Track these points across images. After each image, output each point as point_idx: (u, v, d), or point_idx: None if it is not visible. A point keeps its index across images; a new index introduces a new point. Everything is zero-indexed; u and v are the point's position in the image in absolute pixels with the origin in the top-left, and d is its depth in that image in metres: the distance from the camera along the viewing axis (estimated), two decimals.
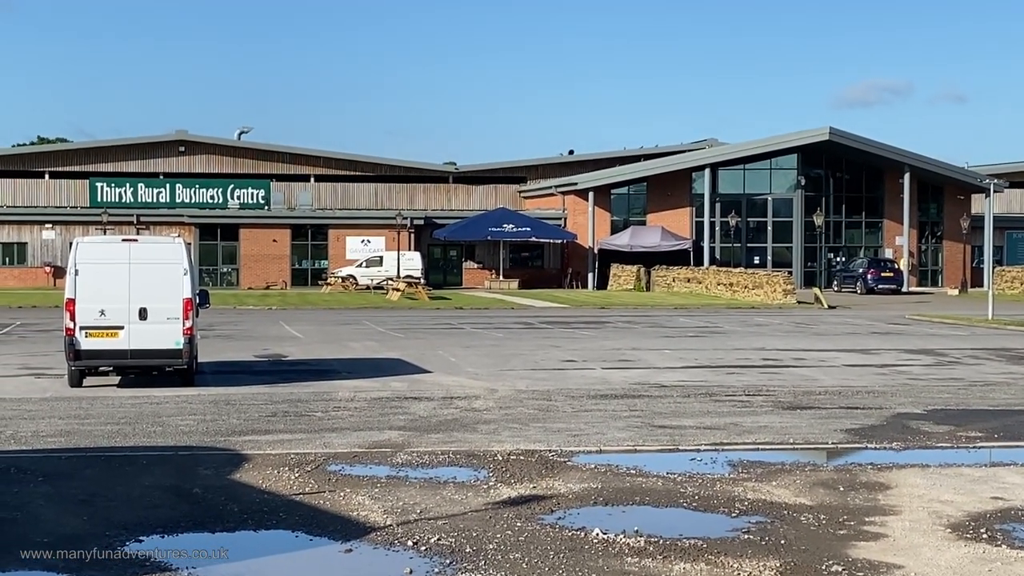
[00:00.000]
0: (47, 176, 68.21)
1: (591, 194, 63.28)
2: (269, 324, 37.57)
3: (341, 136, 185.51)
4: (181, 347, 20.81)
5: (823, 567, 9.59)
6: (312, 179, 69.71)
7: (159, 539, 10.37)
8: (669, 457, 14.41)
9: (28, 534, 10.36)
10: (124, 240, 22.02)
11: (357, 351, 28.74)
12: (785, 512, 11.44)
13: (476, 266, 65.93)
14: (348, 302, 49.64)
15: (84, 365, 20.88)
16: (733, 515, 11.33)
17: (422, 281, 55.12)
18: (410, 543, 10.21)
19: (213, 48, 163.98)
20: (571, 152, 75.83)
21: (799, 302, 50.24)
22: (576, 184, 64.23)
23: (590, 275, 63.08)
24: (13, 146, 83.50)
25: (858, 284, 59.39)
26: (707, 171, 63.29)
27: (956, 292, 60.60)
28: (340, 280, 59.16)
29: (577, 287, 62.64)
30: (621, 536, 10.36)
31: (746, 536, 10.52)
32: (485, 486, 12.53)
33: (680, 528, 10.72)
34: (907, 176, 63.84)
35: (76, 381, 21.01)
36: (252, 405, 18.67)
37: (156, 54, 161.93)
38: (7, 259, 63.88)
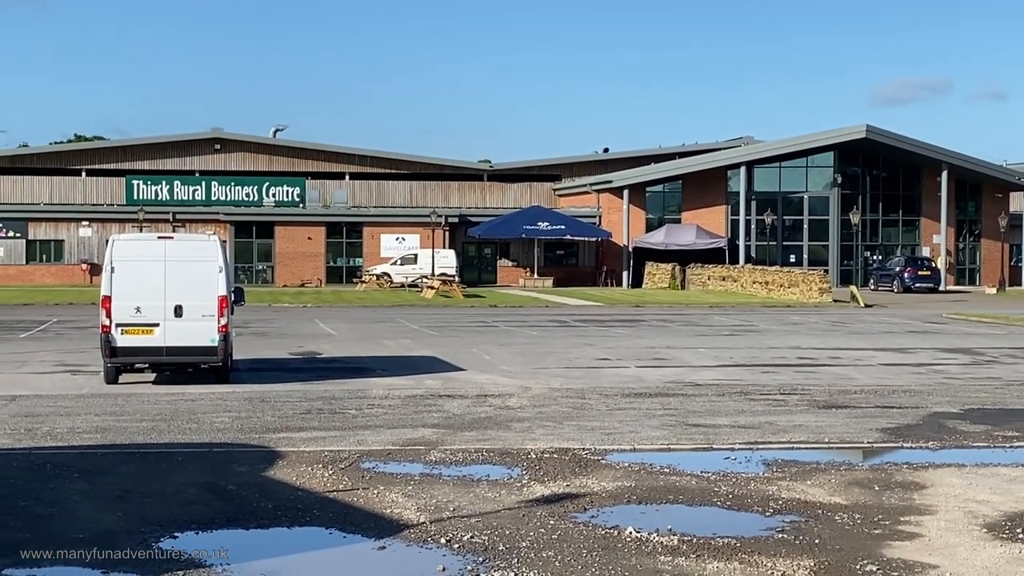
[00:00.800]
0: (84, 174, 68.65)
1: (626, 192, 63.16)
2: (304, 322, 37.72)
3: (375, 135, 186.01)
4: (216, 344, 20.91)
5: (857, 567, 9.52)
6: (347, 177, 69.88)
7: (193, 536, 10.41)
8: (703, 456, 14.35)
9: (64, 530, 10.43)
10: (160, 237, 22.15)
11: (391, 349, 28.80)
12: (819, 511, 11.37)
13: (510, 264, 65.93)
14: (383, 300, 49.76)
15: (120, 362, 21.01)
16: (767, 514, 11.27)
17: (457, 279, 55.16)
18: (443, 541, 10.21)
19: (248, 46, 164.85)
20: (606, 150, 75.71)
21: (835, 301, 49.94)
22: (611, 182, 64.12)
23: (624, 273, 62.97)
24: (50, 144, 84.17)
25: (895, 283, 58.99)
26: (743, 169, 63.01)
27: (994, 291, 60.05)
28: (375, 278, 59.32)
29: (611, 285, 62.53)
30: (654, 535, 10.32)
31: (780, 535, 10.46)
32: (518, 484, 12.52)
33: (714, 527, 10.67)
34: (944, 174, 63.34)
35: (112, 378, 21.14)
36: (287, 402, 18.74)
37: (192, 52, 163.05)
38: (44, 256, 64.42)
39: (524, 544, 10.07)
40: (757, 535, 10.44)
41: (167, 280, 20.91)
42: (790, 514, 11.25)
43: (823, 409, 18.48)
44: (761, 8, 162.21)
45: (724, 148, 69.59)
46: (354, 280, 61.39)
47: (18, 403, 18.44)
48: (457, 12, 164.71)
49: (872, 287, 60.35)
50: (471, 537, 10.29)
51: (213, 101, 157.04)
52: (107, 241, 21.85)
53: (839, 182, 64.00)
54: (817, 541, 10.26)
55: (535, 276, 62.75)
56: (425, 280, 54.76)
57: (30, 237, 64.13)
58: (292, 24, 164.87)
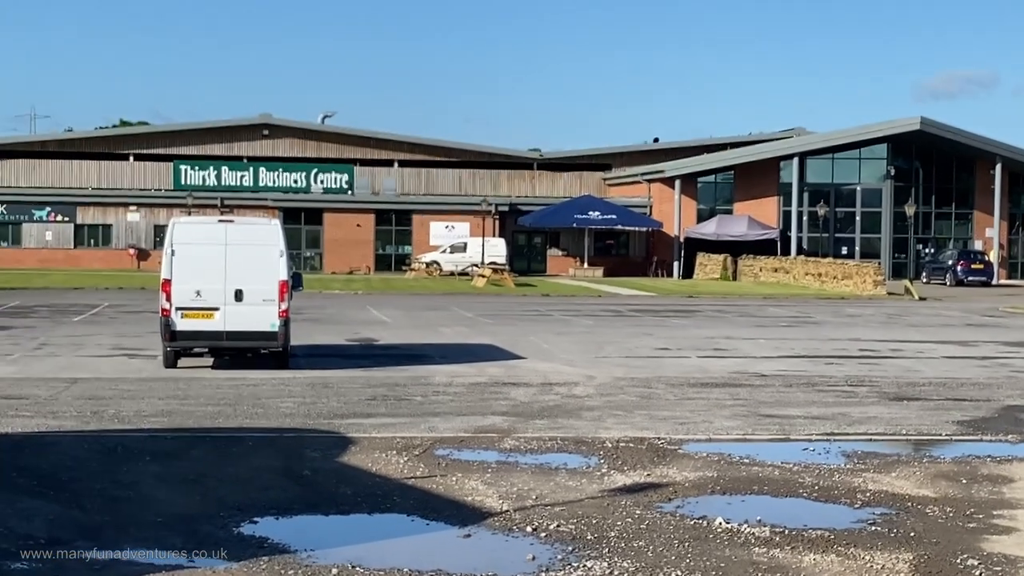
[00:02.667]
0: (131, 159, 68.87)
1: (678, 182, 62.69)
2: (356, 309, 37.61)
3: (423, 122, 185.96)
4: (276, 329, 20.77)
5: (958, 561, 9.21)
6: (396, 164, 69.77)
7: (274, 521, 10.24)
8: (781, 447, 14.05)
9: (142, 513, 10.28)
10: (221, 221, 21.99)
11: (448, 336, 28.61)
12: (909, 504, 11.05)
13: (560, 253, 65.62)
14: (433, 288, 49.61)
15: (179, 346, 20.92)
16: (856, 506, 10.97)
17: (507, 268, 54.95)
18: (529, 529, 9.98)
19: (297, 32, 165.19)
20: (655, 140, 75.20)
21: (889, 293, 49.32)
22: (663, 172, 63.65)
23: (675, 264, 62.53)
24: (97, 128, 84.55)
25: (948, 276, 58.23)
26: (795, 160, 62.37)
27: None
28: (424, 266, 59.20)
29: (662, 276, 62.11)
30: (745, 526, 10.05)
31: (873, 528, 10.16)
32: (598, 473, 12.27)
33: (803, 518, 10.38)
34: (998, 167, 62.45)
35: (171, 362, 21.04)
36: (350, 388, 18.57)
37: (240, 38, 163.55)
38: (92, 241, 64.77)
39: (613, 533, 9.82)
40: (849, 527, 10.14)
41: (227, 264, 20.76)
42: (879, 506, 10.94)
43: (894, 401, 18.12)
44: (807, 1, 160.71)
45: (776, 139, 68.90)
46: (403, 268, 61.29)
47: (79, 386, 18.38)
48: (507, 1, 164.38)
49: (924, 280, 59.60)
50: (557, 526, 10.06)
51: (262, 87, 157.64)
52: (155, 226, 21.72)
53: (892, 174, 63.22)
54: (912, 534, 9.95)
55: (585, 266, 62.41)
56: (476, 268, 54.57)
57: (78, 221, 64.52)
58: (341, 10, 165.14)
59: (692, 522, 10.23)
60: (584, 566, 8.95)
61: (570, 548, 9.45)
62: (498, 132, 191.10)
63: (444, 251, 61.29)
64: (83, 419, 15.05)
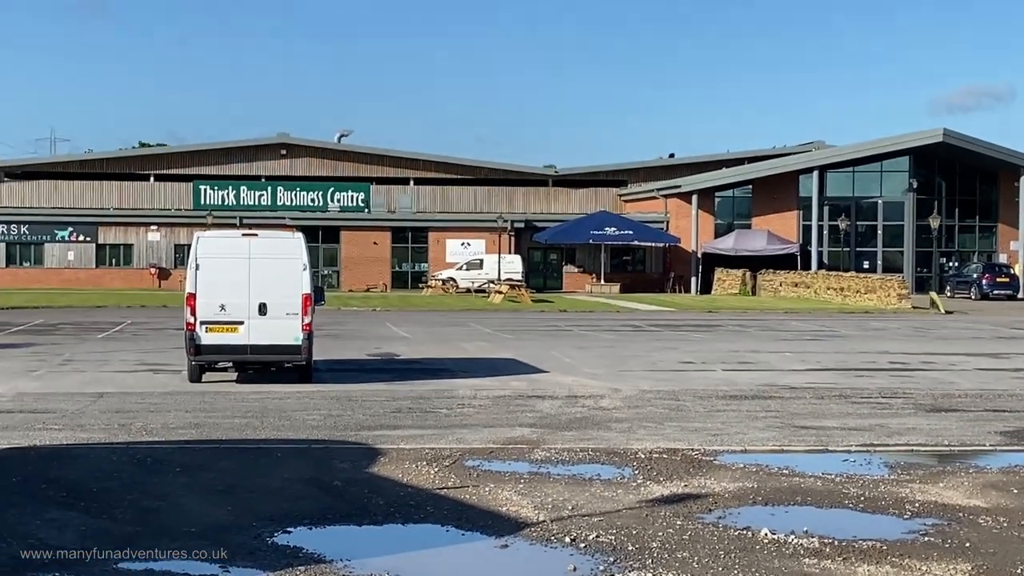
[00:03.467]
0: (152, 179, 69.03)
1: (695, 197, 62.37)
2: (375, 325, 37.42)
3: (436, 140, 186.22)
4: (300, 343, 20.58)
5: (1018, 571, 8.93)
6: (411, 182, 69.70)
7: (307, 531, 10.00)
8: (819, 458, 13.76)
9: (174, 523, 10.07)
10: (245, 235, 21.82)
11: (469, 351, 28.38)
12: (960, 514, 10.76)
13: (576, 270, 65.36)
14: (451, 304, 49.39)
15: (204, 360, 20.74)
16: (905, 517, 10.68)
17: (524, 284, 54.70)
18: (567, 540, 9.73)
19: (313, 53, 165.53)
20: (671, 156, 74.96)
21: (914, 307, 48.89)
22: (679, 187, 63.35)
23: (693, 279, 62.15)
24: (118, 149, 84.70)
25: (972, 289, 57.73)
26: (815, 173, 61.99)
27: None
28: (440, 283, 59.01)
29: (679, 291, 61.77)
30: (792, 537, 9.77)
31: (926, 538, 9.87)
32: (634, 483, 12.01)
33: (851, 530, 10.10)
34: (1023, 179, 61.96)
35: (196, 376, 20.86)
36: (375, 401, 18.35)
37: (257, 59, 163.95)
38: (113, 260, 64.75)
39: (655, 544, 9.56)
40: (901, 538, 9.86)
41: (251, 277, 20.60)
42: (930, 517, 10.65)
43: (931, 412, 17.81)
44: (822, 17, 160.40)
45: (795, 153, 68.56)
46: (420, 285, 61.12)
47: (105, 400, 18.20)
48: (520, 19, 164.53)
49: (948, 294, 59.09)
50: (596, 536, 9.80)
51: (279, 107, 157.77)
52: (175, 246, 21.48)
53: (914, 187, 62.79)
54: (967, 545, 9.66)
55: (601, 282, 62.11)
56: (492, 285, 54.34)
57: (100, 241, 64.49)
58: (356, 31, 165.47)
59: (736, 533, 9.96)
60: None
61: (611, 559, 9.19)
62: (512, 149, 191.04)
63: (460, 268, 61.12)
64: (111, 432, 14.86)
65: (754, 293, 58.56)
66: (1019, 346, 31.27)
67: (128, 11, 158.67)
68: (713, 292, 60.65)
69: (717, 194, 64.13)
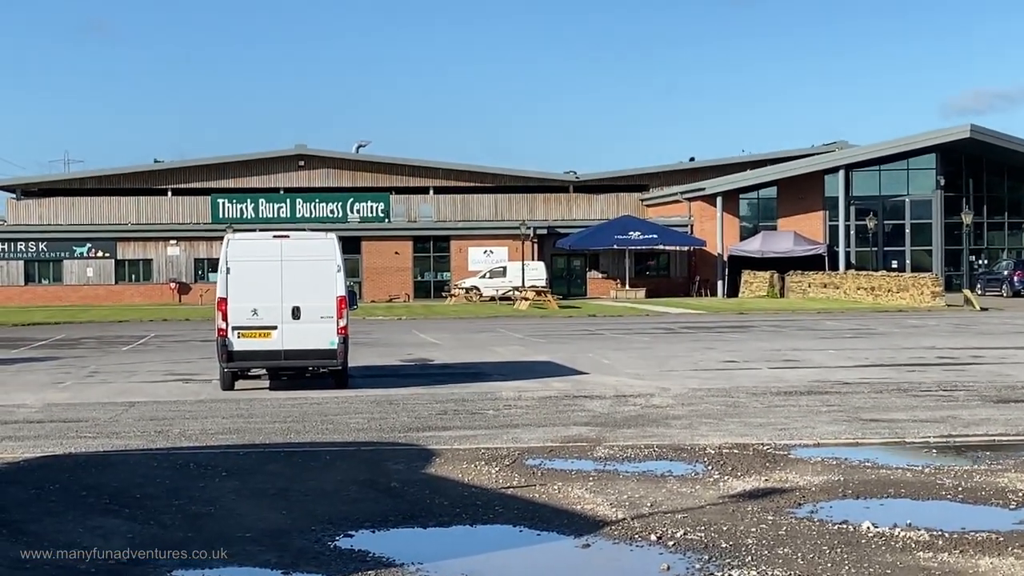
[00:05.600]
0: (170, 193, 68.50)
1: (719, 199, 61.55)
2: (403, 332, 36.76)
3: (455, 148, 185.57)
4: (336, 347, 19.88)
5: None
6: (431, 191, 69.04)
7: (370, 534, 9.30)
8: (899, 450, 13.02)
9: (227, 528, 9.37)
10: (276, 236, 21.13)
11: (503, 355, 27.68)
12: None
13: (600, 276, 64.58)
14: (477, 312, 48.69)
15: (237, 367, 20.05)
16: (1012, 507, 9.94)
17: (550, 290, 53.96)
18: (653, 538, 9.01)
19: (329, 63, 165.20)
20: (692, 159, 74.19)
21: (948, 305, 48.00)
22: (703, 189, 62.56)
23: (719, 282, 61.30)
24: (135, 164, 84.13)
25: (1004, 287, 56.73)
26: (841, 173, 61.11)
27: None
28: (464, 292, 58.30)
29: (706, 295, 60.94)
30: (897, 529, 9.03)
31: None
32: (710, 479, 11.28)
33: (957, 521, 9.35)
34: None
35: (228, 384, 20.18)
36: (417, 404, 17.66)
37: (273, 71, 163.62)
38: (133, 276, 64.23)
39: (750, 541, 8.82)
40: (1015, 529, 9.11)
41: (284, 281, 19.91)
42: None
43: (1000, 403, 17.03)
44: (827, 21, 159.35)
45: (819, 153, 67.69)
46: (443, 294, 60.41)
47: (137, 408, 17.54)
48: (536, 27, 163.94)
49: (979, 292, 58.07)
50: (684, 534, 9.07)
51: (296, 119, 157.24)
52: (204, 259, 20.77)
53: (942, 184, 61.87)
54: None
55: (626, 287, 61.33)
56: (518, 292, 53.61)
57: (119, 257, 63.98)
58: (371, 39, 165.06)
59: (835, 527, 9.22)
60: (729, 575, 7.95)
61: (706, 557, 8.46)
62: (532, 155, 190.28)
63: (483, 276, 60.41)
64: (148, 438, 14.18)
65: (782, 295, 57.70)
66: None
67: (133, 30, 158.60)
68: (741, 295, 59.79)
69: (741, 196, 63.32)
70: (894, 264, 61.64)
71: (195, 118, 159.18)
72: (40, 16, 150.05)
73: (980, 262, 62.85)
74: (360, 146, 74.69)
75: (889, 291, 51.06)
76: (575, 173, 72.50)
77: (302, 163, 69.73)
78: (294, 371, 20.56)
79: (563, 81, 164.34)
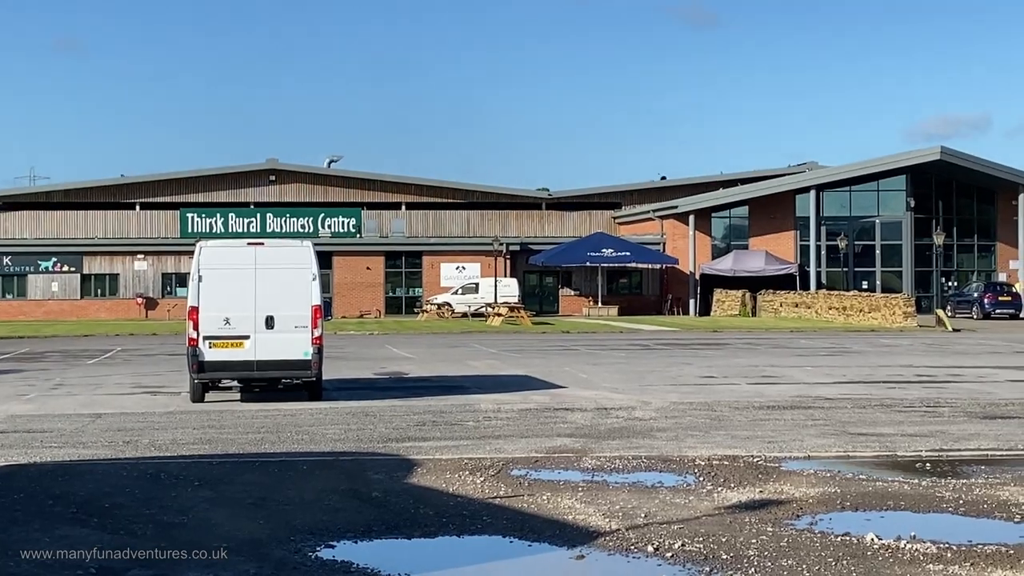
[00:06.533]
0: (138, 207, 67.68)
1: (692, 218, 61.40)
2: (376, 347, 36.28)
3: (427, 164, 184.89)
4: (310, 358, 19.41)
5: None
6: (403, 207, 68.58)
7: (353, 545, 8.88)
8: (893, 464, 12.69)
9: (202, 538, 8.93)
10: (250, 244, 20.67)
11: (479, 369, 27.28)
12: None
13: (572, 293, 64.26)
14: (450, 327, 48.25)
15: (208, 377, 19.51)
16: (1016, 520, 9.63)
17: (523, 306, 53.59)
18: (650, 548, 8.63)
19: (301, 78, 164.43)
20: (663, 178, 74.08)
21: (920, 325, 47.95)
22: (676, 208, 62.41)
23: (691, 301, 61.12)
24: (102, 178, 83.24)
25: (974, 309, 56.80)
26: (812, 193, 61.11)
27: None
28: (436, 307, 57.81)
29: (678, 313, 60.73)
30: (904, 542, 8.70)
31: None
32: (703, 490, 10.92)
33: (962, 534, 9.03)
34: (1021, 197, 61.16)
35: (199, 395, 19.65)
36: (395, 416, 17.23)
37: (244, 86, 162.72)
38: (99, 291, 63.34)
39: (751, 552, 8.46)
40: (1023, 542, 8.77)
41: (257, 289, 19.43)
42: None
43: (987, 419, 16.78)
44: (792, 47, 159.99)
45: (790, 173, 67.70)
46: (415, 310, 59.92)
47: (104, 420, 17.03)
48: (508, 43, 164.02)
49: (949, 313, 58.13)
50: (682, 545, 8.70)
51: (266, 133, 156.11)
52: (172, 274, 20.26)
53: (912, 206, 61.96)
54: None
55: (599, 304, 61.01)
56: (491, 308, 53.21)
57: (85, 271, 63.10)
58: (344, 55, 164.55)
59: (838, 539, 8.88)
60: None
61: (707, 568, 8.10)
62: (505, 172, 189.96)
63: (456, 292, 59.97)
64: (116, 448, 13.69)
65: (754, 314, 57.56)
66: None
67: (104, 47, 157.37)
68: (713, 313, 59.63)
69: (714, 214, 63.21)
70: (864, 285, 61.64)
71: (164, 134, 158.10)
72: (11, 35, 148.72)
73: (950, 284, 62.93)
74: (332, 161, 74.17)
75: (861, 311, 50.99)
76: (547, 190, 72.23)
77: (273, 178, 69.12)
78: (267, 382, 20.06)
79: (535, 99, 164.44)
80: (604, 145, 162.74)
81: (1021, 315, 56.88)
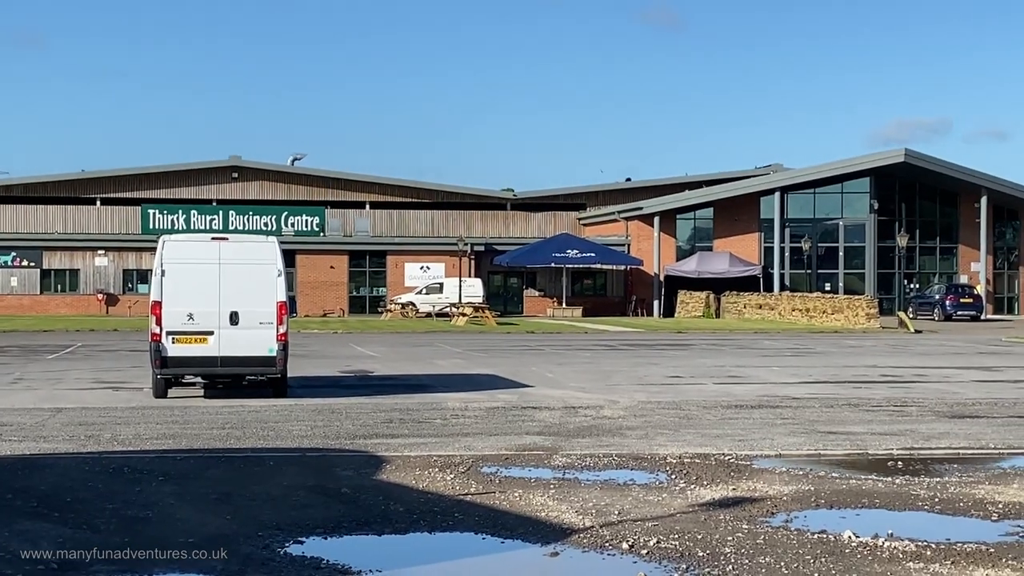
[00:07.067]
0: (98, 203, 66.99)
1: (657, 219, 61.42)
2: (339, 346, 36.01)
3: (392, 164, 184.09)
4: (275, 354, 19.15)
5: None
6: (367, 206, 68.24)
7: (322, 541, 8.69)
8: (866, 462, 12.64)
9: (168, 533, 8.71)
10: (214, 239, 20.38)
11: (445, 368, 27.10)
12: None
13: (537, 294, 64.16)
14: (414, 327, 48.01)
15: (171, 373, 19.22)
16: (993, 519, 9.56)
17: (488, 307, 53.42)
18: (625, 546, 8.49)
19: (265, 75, 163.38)
20: (628, 180, 74.10)
21: (882, 327, 48.16)
22: (641, 209, 62.41)
23: (656, 302, 61.15)
24: (63, 173, 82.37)
25: (936, 310, 57.14)
26: (776, 195, 61.30)
27: None
28: (400, 307, 57.53)
29: (642, 314, 60.75)
30: (881, 540, 8.60)
31: None
32: (676, 488, 10.80)
33: (939, 532, 8.96)
34: (984, 199, 61.63)
35: (161, 391, 19.37)
36: (361, 413, 17.03)
37: (207, 82, 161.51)
38: (59, 286, 62.66)
39: (728, 550, 8.34)
40: (1003, 540, 8.72)
41: (222, 284, 19.16)
42: (1020, 518, 9.51)
43: (956, 419, 16.77)
44: (755, 49, 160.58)
45: (755, 175, 67.88)
46: (379, 309, 59.61)
47: (65, 414, 16.73)
48: (471, 43, 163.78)
49: (911, 315, 58.50)
50: (657, 542, 8.57)
51: (230, 130, 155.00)
52: (133, 271, 19.95)
53: (876, 208, 62.25)
54: None
55: (563, 305, 60.94)
56: (455, 308, 53.00)
57: (44, 267, 62.38)
58: (309, 53, 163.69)
59: (815, 536, 8.77)
60: None
61: (684, 566, 7.97)
62: (470, 172, 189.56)
63: (420, 292, 59.70)
64: (78, 442, 13.42)
65: (718, 315, 57.65)
66: (1004, 360, 30.47)
67: (66, 42, 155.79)
68: (677, 315, 59.67)
69: (679, 216, 63.27)
70: (827, 287, 61.88)
71: (126, 129, 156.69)
72: None
73: (912, 286, 63.29)
74: (295, 159, 73.72)
75: (824, 312, 51.17)
76: (512, 191, 72.08)
77: (235, 175, 68.62)
78: (231, 379, 19.79)
79: (500, 99, 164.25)
80: (569, 146, 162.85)
81: (982, 317, 57.32)
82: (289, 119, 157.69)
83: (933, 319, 56.65)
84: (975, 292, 58.76)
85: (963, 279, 62.86)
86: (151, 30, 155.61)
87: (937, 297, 57.93)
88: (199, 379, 19.82)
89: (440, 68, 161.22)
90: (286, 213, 66.41)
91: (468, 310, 50.99)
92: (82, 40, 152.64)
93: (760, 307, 56.16)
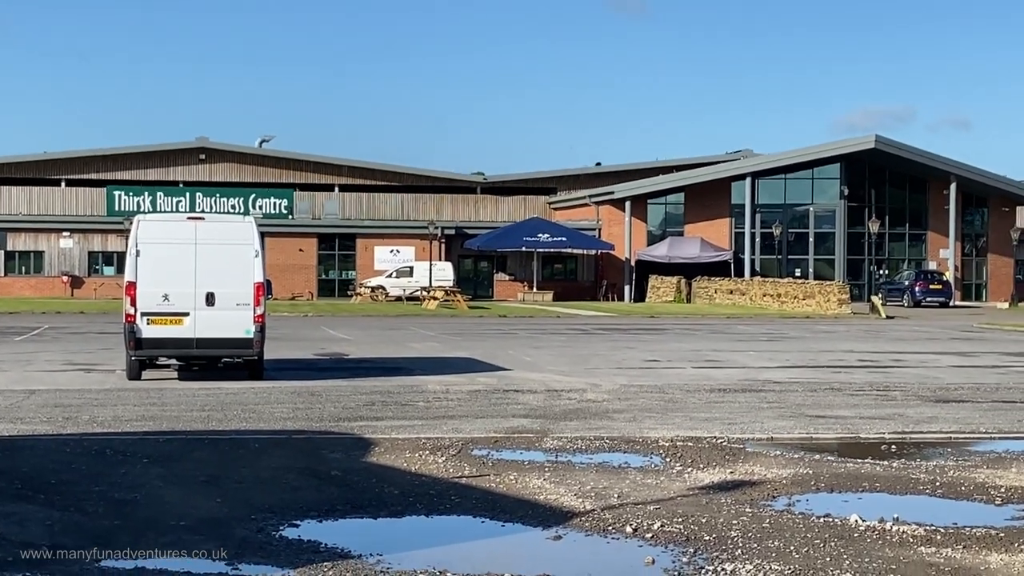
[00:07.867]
0: (63, 184, 66.14)
1: (628, 204, 61.31)
2: (311, 329, 35.68)
3: (361, 146, 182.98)
4: (252, 336, 18.86)
5: None
6: (336, 189, 67.74)
7: (317, 524, 8.48)
8: (858, 446, 12.53)
9: (159, 516, 8.46)
10: (190, 218, 20.07)
11: (420, 351, 26.86)
12: None
13: (507, 278, 63.95)
14: (385, 311, 47.71)
15: (145, 355, 18.89)
16: (997, 503, 9.45)
17: (460, 290, 53.18)
18: (628, 529, 8.32)
19: (234, 55, 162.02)
20: (598, 164, 73.96)
21: (854, 313, 48.26)
22: (612, 193, 62.28)
23: (627, 287, 61.08)
24: (27, 154, 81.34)
25: (905, 296, 57.30)
26: (747, 181, 61.32)
27: (1006, 305, 58.48)
28: (369, 291, 57.20)
29: (613, 299, 60.66)
30: (889, 524, 8.46)
31: None
32: (673, 471, 10.64)
33: (945, 516, 8.83)
34: (953, 186, 61.86)
35: (135, 373, 19.02)
36: (342, 396, 16.78)
37: (176, 62, 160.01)
38: (23, 268, 61.91)
39: (734, 533, 8.18)
40: (1011, 525, 8.60)
41: (198, 265, 18.82)
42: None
43: (941, 403, 16.71)
44: (723, 37, 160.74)
45: (725, 161, 67.88)
46: (348, 293, 59.24)
47: (40, 396, 16.38)
48: (441, 26, 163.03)
49: (880, 301, 58.68)
50: (662, 526, 8.39)
51: (197, 111, 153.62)
52: (98, 252, 19.60)
53: (846, 194, 62.36)
54: None
55: (534, 290, 60.80)
56: (426, 292, 52.71)
57: (8, 248, 61.51)
58: (278, 33, 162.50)
59: (821, 520, 8.63)
60: (722, 569, 7.31)
61: (691, 550, 7.80)
62: (440, 155, 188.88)
63: (390, 275, 59.36)
64: (56, 424, 13.11)
65: (689, 300, 57.65)
66: (978, 346, 30.51)
67: (24, 21, 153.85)
68: (648, 299, 59.61)
69: (650, 201, 63.18)
70: (797, 272, 61.97)
71: (90, 110, 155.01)
72: None
73: (881, 272, 63.50)
74: (264, 141, 73.11)
75: (795, 298, 51.24)
76: (483, 174, 71.79)
77: (203, 156, 67.93)
78: (207, 360, 19.50)
79: (469, 82, 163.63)
80: (540, 131, 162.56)
81: (951, 303, 57.54)
82: (257, 101, 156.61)
83: (902, 305, 56.79)
84: (944, 279, 58.97)
85: (932, 265, 63.10)
86: (113, 10, 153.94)
87: (906, 283, 58.09)
88: (173, 361, 19.53)
89: (410, 51, 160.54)
90: (254, 195, 65.82)
91: (439, 294, 50.72)
92: (42, 20, 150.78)
93: (731, 292, 56.18)
